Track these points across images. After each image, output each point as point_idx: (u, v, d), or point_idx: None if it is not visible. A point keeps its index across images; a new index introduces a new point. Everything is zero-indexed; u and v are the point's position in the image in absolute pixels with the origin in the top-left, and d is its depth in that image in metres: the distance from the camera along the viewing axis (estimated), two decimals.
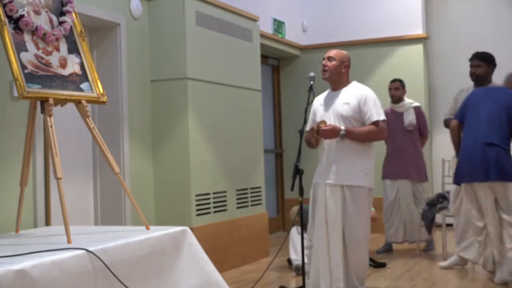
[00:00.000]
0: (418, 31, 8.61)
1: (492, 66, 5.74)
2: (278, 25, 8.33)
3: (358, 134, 4.59)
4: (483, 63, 5.71)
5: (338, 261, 4.58)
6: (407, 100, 7.04)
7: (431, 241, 6.98)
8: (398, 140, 6.88)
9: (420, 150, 7.03)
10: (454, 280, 5.57)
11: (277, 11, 8.36)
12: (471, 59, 5.80)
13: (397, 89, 6.99)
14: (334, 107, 4.68)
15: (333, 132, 4.54)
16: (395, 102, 6.99)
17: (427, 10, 9.00)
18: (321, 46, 8.68)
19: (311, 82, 4.65)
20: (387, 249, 7.00)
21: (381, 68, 8.61)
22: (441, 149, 8.28)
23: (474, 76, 5.76)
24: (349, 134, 4.56)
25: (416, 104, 7.05)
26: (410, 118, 6.92)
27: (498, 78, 5.74)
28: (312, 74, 4.69)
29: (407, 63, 8.58)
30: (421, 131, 7.05)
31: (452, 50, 8.61)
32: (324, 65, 4.74)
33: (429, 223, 6.70)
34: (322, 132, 4.55)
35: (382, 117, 4.67)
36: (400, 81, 7.07)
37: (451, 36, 8.99)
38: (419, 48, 8.60)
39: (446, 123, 6.21)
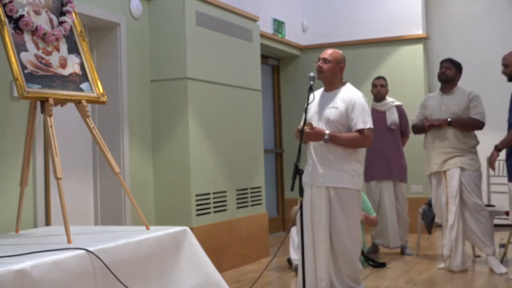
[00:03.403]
0: (418, 31, 8.61)
1: (460, 73, 6.07)
2: (278, 25, 8.33)
3: (342, 140, 4.59)
4: (453, 66, 6.02)
5: (322, 261, 4.61)
6: (388, 98, 6.97)
7: (405, 245, 6.92)
8: (381, 139, 6.68)
9: (402, 150, 6.97)
10: (454, 280, 5.57)
11: (277, 11, 8.36)
12: (442, 62, 6.09)
13: (383, 86, 6.91)
14: (323, 110, 4.69)
15: (316, 136, 4.56)
16: (379, 100, 6.87)
17: (427, 10, 9.01)
18: (321, 46, 8.67)
19: (311, 82, 4.64)
20: (374, 250, 6.95)
21: (381, 68, 8.60)
22: None
23: (443, 75, 6.02)
24: (333, 140, 4.57)
25: (398, 102, 6.99)
26: (393, 117, 6.83)
27: (498, 81, 5.73)
28: (312, 74, 4.67)
29: (407, 63, 8.59)
30: (403, 130, 6.98)
31: (452, 50, 8.60)
32: (320, 67, 4.73)
33: (429, 223, 6.69)
34: (306, 135, 4.55)
35: (368, 125, 4.63)
36: (385, 78, 7.03)
37: (451, 36, 9.00)
38: (419, 48, 8.60)
39: (414, 128, 6.28)
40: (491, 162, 5.58)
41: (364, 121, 4.62)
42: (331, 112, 4.65)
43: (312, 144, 4.69)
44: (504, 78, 5.69)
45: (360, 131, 4.61)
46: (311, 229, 4.65)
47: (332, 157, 4.61)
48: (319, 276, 4.62)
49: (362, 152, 4.79)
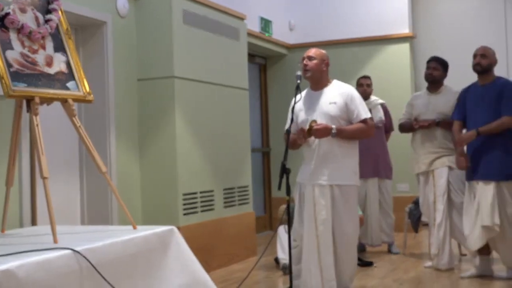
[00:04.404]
0: (405, 30, 8.65)
1: (446, 72, 6.11)
2: (265, 23, 8.33)
3: (348, 132, 4.60)
4: (440, 66, 6.06)
5: (329, 261, 4.56)
6: (373, 97, 7.04)
7: (392, 243, 6.97)
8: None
9: (387, 147, 7.06)
10: (440, 279, 5.59)
11: (264, 10, 8.35)
12: (429, 61, 6.11)
13: (368, 85, 6.98)
14: (319, 107, 4.67)
15: (325, 131, 4.54)
16: (364, 99, 6.88)
17: (414, 10, 9.04)
18: (308, 45, 8.64)
19: (298, 81, 4.63)
20: (360, 249, 6.94)
21: (367, 66, 8.63)
22: None
23: (430, 77, 6.06)
24: (340, 133, 4.56)
25: (381, 101, 7.08)
26: (379, 115, 6.91)
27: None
28: (299, 73, 4.67)
29: (394, 62, 8.63)
30: (388, 127, 7.10)
31: (438, 49, 8.61)
32: (305, 65, 4.72)
33: (416, 222, 6.72)
34: (315, 132, 4.53)
35: (369, 114, 4.70)
36: (370, 77, 7.09)
37: (437, 35, 9.04)
38: (405, 47, 8.64)
39: (401, 127, 6.31)
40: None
41: (365, 111, 4.68)
42: (330, 108, 4.63)
43: (314, 143, 4.65)
44: None
45: (364, 121, 4.65)
46: (315, 229, 4.61)
47: (336, 154, 4.60)
48: (326, 277, 4.55)
49: (358, 149, 4.79)
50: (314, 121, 4.57)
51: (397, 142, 7.76)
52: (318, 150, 4.64)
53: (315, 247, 4.59)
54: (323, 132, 4.54)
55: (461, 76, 7.93)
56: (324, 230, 4.57)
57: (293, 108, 4.71)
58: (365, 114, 4.65)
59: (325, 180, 4.60)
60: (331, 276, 4.56)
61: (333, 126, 4.55)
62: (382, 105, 7.03)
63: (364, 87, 6.93)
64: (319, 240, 4.58)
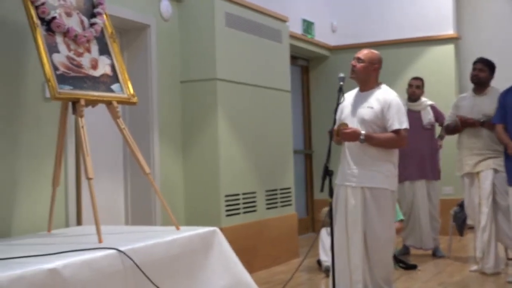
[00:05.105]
0: (449, 31, 8.53)
1: (493, 73, 6.01)
2: (308, 25, 8.31)
3: (377, 140, 4.54)
4: (487, 68, 5.96)
5: (358, 263, 4.54)
6: (423, 98, 6.95)
7: (438, 247, 6.87)
8: (416, 139, 6.56)
9: (435, 148, 6.96)
10: (486, 283, 5.49)
11: (306, 11, 8.34)
12: (475, 62, 6.02)
13: (418, 87, 6.90)
14: (358, 110, 4.64)
15: (353, 136, 4.51)
16: (414, 100, 6.85)
17: (458, 10, 8.90)
18: (350, 46, 8.63)
19: (341, 83, 4.60)
20: (405, 252, 6.89)
21: (412, 68, 8.52)
22: None
23: (476, 78, 5.98)
24: (368, 140, 4.51)
25: (431, 102, 6.98)
26: (429, 116, 6.83)
27: None
28: (341, 75, 4.63)
29: (438, 63, 8.51)
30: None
31: (483, 50, 8.46)
32: (353, 65, 4.70)
33: (461, 225, 6.62)
34: (343, 135, 4.51)
35: (404, 125, 4.57)
36: (422, 79, 7.00)
37: (482, 36, 8.88)
38: (450, 48, 8.52)
39: (447, 128, 6.24)
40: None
41: (400, 122, 4.56)
42: (366, 112, 4.60)
43: (346, 145, 4.64)
44: None
45: (396, 132, 4.56)
46: (345, 230, 4.59)
47: (367, 158, 4.56)
48: (354, 279, 4.54)
49: (396, 154, 4.69)
50: (345, 124, 4.54)
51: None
52: (350, 152, 4.62)
53: (345, 248, 4.57)
54: (351, 136, 4.50)
55: (508, 78, 7.82)
56: (354, 231, 4.55)
57: (335, 110, 4.68)
58: (398, 124, 4.55)
59: (354, 182, 4.58)
60: (359, 277, 4.53)
61: (362, 132, 4.50)
62: (432, 106, 6.92)
63: (413, 88, 6.87)
64: (349, 241, 4.57)
